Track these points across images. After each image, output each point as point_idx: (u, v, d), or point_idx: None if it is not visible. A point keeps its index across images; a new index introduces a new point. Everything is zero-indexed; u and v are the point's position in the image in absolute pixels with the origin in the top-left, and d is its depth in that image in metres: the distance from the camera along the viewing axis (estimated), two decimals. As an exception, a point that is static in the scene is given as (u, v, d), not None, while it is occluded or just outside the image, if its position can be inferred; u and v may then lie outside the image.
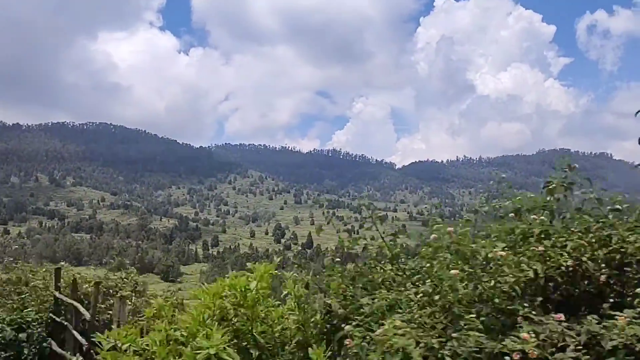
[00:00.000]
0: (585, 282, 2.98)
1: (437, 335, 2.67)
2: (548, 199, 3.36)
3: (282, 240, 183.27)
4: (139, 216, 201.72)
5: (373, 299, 3.15)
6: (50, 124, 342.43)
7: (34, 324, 8.79)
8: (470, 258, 2.98)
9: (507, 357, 2.47)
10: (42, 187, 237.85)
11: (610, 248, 3.00)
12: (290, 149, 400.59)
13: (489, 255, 2.96)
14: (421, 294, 3.00)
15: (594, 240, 3.04)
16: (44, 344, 8.66)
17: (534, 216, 3.26)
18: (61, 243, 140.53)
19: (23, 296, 10.26)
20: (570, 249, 2.98)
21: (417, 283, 3.22)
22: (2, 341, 8.29)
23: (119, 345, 3.14)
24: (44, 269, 12.21)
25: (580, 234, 3.08)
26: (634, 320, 2.49)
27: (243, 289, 3.24)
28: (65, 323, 8.66)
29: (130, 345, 3.13)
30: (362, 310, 3.13)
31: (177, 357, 2.96)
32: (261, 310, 3.31)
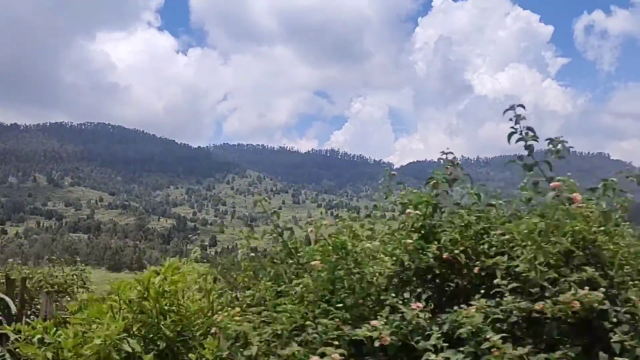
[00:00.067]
0: (463, 273, 3.14)
1: (301, 323, 2.87)
2: (432, 194, 3.50)
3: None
4: (136, 216, 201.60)
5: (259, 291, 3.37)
6: (48, 124, 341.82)
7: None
8: (339, 250, 3.14)
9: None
10: (40, 187, 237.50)
11: (484, 241, 3.18)
12: (288, 149, 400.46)
13: (358, 249, 3.12)
14: (301, 286, 3.17)
15: (471, 234, 3.20)
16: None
17: (409, 210, 3.42)
18: (59, 243, 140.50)
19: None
20: (444, 242, 3.15)
21: (304, 275, 3.38)
22: None
23: (30, 337, 3.28)
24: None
25: (461, 227, 3.24)
26: (481, 309, 2.68)
27: (146, 283, 3.38)
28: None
29: (40, 337, 3.26)
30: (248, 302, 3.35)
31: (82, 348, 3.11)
32: (165, 304, 3.42)
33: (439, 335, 2.66)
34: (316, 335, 2.74)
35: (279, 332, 2.81)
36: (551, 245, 2.94)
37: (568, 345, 2.63)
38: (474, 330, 2.59)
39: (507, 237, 3.12)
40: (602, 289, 2.70)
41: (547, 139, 3.36)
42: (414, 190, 3.58)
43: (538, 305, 2.71)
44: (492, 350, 2.46)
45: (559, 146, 3.39)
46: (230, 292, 3.69)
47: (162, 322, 3.36)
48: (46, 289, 8.89)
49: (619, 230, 3.20)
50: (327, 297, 3.08)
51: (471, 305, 2.75)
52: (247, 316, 2.94)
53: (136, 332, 3.30)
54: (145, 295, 3.38)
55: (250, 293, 3.47)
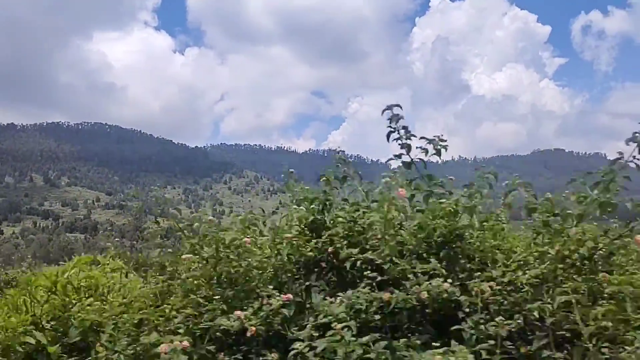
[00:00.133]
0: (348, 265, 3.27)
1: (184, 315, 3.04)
2: (324, 190, 3.63)
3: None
4: (133, 216, 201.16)
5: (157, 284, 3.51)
6: (45, 124, 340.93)
7: None
8: (216, 243, 3.28)
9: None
10: (37, 187, 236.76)
11: (365, 235, 3.35)
12: (285, 149, 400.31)
13: (235, 242, 3.28)
14: (191, 278, 3.31)
15: (357, 229, 3.37)
16: None
17: (295, 207, 3.62)
18: (55, 243, 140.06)
19: None
20: (328, 236, 3.34)
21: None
22: None
23: None
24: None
25: (349, 223, 3.41)
26: (346, 299, 2.87)
27: (54, 277, 3.46)
28: None
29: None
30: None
31: None
32: (74, 298, 3.48)
33: (313, 325, 2.83)
34: (181, 325, 2.92)
35: (136, 321, 2.98)
36: (409, 239, 3.27)
37: (417, 333, 2.84)
38: (333, 320, 2.75)
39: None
40: (450, 280, 2.93)
41: (421, 137, 3.56)
42: (306, 187, 3.71)
43: (385, 296, 2.89)
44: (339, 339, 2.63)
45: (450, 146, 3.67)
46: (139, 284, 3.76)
47: (71, 315, 3.39)
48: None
49: (487, 225, 3.43)
50: (212, 287, 3.24)
51: (338, 296, 2.93)
52: (104, 306, 3.16)
53: (45, 325, 3.35)
54: (53, 290, 3.45)
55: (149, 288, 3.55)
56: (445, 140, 3.56)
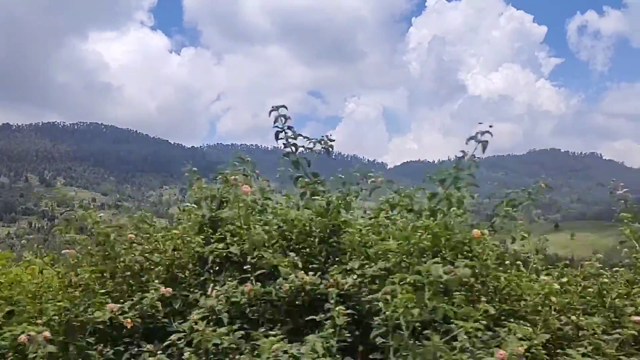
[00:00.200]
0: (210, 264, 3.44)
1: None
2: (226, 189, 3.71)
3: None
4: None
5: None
6: (40, 124, 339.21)
7: None
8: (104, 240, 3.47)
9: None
10: (32, 187, 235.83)
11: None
12: (282, 149, 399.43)
13: (120, 238, 3.46)
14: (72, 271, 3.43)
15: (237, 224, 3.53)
16: None
17: (186, 204, 3.80)
18: (50, 243, 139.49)
19: None
20: (220, 234, 3.49)
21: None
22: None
23: None
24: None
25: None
26: (223, 293, 3.06)
27: None
28: None
29: None
30: None
31: None
32: None
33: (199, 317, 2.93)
34: (56, 317, 3.04)
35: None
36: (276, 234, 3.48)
37: (280, 325, 3.03)
38: (208, 312, 2.91)
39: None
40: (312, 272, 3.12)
41: (305, 137, 3.76)
42: (205, 186, 3.79)
43: (246, 288, 3.03)
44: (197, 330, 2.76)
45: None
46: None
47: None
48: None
49: (366, 221, 3.64)
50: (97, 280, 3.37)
51: (215, 289, 3.09)
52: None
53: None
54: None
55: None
56: (334, 140, 3.81)
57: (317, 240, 3.56)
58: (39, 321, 3.01)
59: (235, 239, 3.40)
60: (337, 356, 2.70)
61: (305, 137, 3.73)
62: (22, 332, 2.71)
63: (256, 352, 2.65)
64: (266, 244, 3.38)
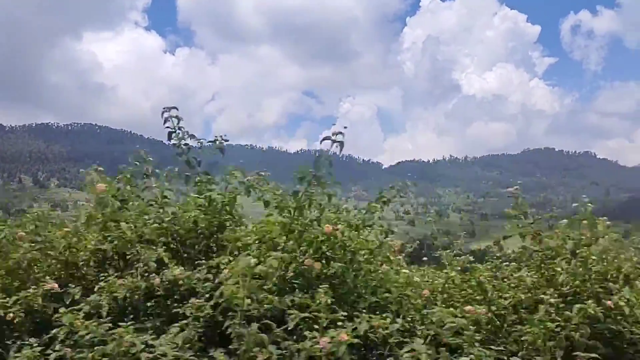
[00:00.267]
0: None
1: None
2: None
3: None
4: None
5: None
6: (34, 125, 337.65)
7: None
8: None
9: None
10: (26, 188, 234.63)
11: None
12: (277, 149, 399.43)
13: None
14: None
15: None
16: None
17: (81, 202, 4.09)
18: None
19: None
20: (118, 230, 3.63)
21: None
22: None
23: None
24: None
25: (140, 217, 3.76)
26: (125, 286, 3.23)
27: None
28: None
29: None
30: None
31: None
32: None
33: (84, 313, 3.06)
34: None
35: None
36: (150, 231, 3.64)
37: (154, 316, 3.23)
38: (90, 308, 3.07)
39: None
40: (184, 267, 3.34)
41: (192, 136, 3.94)
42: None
43: (118, 282, 3.22)
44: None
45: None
46: None
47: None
48: None
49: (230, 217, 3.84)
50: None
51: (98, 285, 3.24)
52: None
53: None
54: None
55: None
56: (227, 140, 4.08)
57: (202, 236, 3.78)
58: None
59: (109, 236, 3.56)
60: (199, 346, 2.85)
61: (198, 139, 4.00)
62: None
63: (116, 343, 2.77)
64: (145, 240, 3.56)
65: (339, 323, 2.88)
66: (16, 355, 2.81)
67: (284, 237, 3.56)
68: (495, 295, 3.86)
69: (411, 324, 3.30)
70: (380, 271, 3.71)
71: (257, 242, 3.65)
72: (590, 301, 3.30)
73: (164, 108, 3.93)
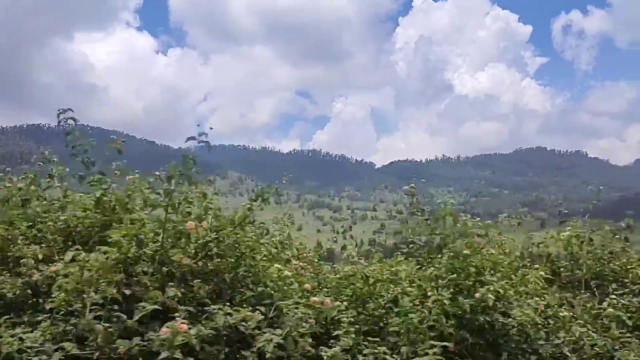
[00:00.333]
0: None
1: None
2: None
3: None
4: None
5: None
6: (25, 126, 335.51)
7: None
8: None
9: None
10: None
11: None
12: (270, 149, 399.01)
13: None
14: None
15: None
16: None
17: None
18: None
19: None
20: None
21: None
22: None
23: None
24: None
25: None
26: None
27: None
28: None
29: None
30: None
31: None
32: None
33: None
34: None
35: None
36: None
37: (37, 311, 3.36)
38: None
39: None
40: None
41: (92, 140, 4.32)
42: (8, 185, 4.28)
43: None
44: None
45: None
46: None
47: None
48: None
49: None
50: None
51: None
52: None
53: None
54: None
55: None
56: (124, 141, 4.45)
57: (93, 233, 4.00)
58: None
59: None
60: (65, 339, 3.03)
61: (92, 140, 4.32)
62: None
63: None
64: (28, 238, 3.82)
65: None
66: None
67: (157, 234, 3.75)
68: (380, 289, 4.43)
69: (278, 318, 3.53)
70: (257, 266, 4.03)
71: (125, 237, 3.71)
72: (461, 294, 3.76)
73: (58, 110, 4.19)
